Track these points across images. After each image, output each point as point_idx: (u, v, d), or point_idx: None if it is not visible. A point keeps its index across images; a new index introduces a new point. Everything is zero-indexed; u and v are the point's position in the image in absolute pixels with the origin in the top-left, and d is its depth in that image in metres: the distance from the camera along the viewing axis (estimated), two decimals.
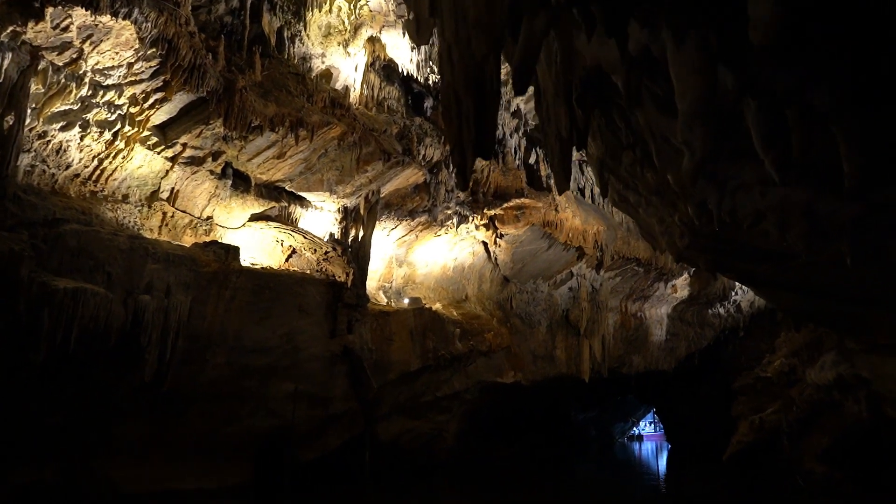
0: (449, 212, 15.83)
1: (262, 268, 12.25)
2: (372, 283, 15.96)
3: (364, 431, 14.41)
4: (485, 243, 17.31)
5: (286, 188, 13.22)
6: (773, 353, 16.48)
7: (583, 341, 19.88)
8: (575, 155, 19.72)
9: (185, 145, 11.07)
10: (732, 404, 18.08)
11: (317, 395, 13.13)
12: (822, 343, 11.77)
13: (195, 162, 11.46)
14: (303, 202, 13.57)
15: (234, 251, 11.45)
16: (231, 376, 11.58)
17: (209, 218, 12.29)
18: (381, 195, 14.25)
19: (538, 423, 23.41)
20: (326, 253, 13.21)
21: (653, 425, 51.80)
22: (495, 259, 17.84)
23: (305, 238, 13.08)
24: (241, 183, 12.37)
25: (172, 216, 11.60)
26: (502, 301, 18.45)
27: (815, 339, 11.99)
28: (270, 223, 12.85)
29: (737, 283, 23.48)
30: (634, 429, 47.05)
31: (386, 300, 15.87)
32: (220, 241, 11.98)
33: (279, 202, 13.07)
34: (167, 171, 11.18)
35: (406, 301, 15.79)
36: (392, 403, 14.72)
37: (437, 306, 16.39)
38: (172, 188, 11.46)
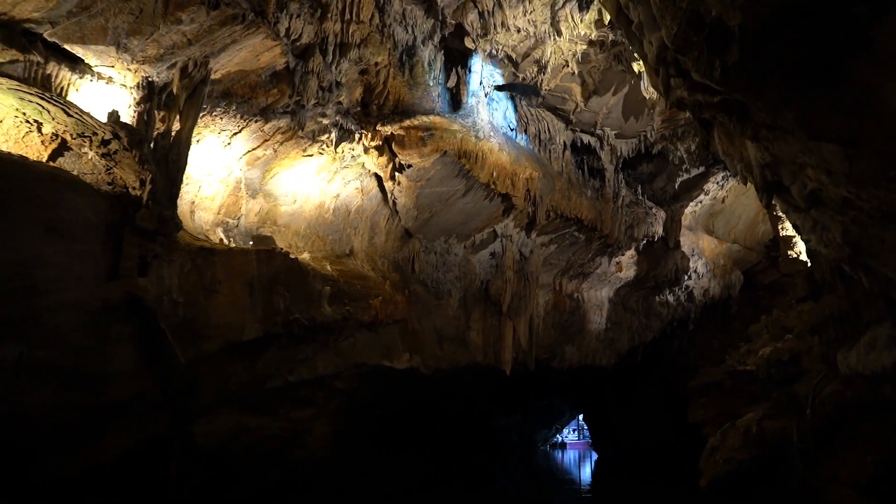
0: (325, 121, 11.05)
1: None
2: (207, 216, 11.05)
3: (169, 430, 9.52)
4: (378, 177, 12.64)
5: (45, 35, 8.19)
6: (752, 342, 12.46)
7: (505, 322, 15.49)
8: (500, 79, 15.27)
9: None
10: (689, 408, 14.14)
11: (76, 369, 8.13)
12: (859, 313, 7.72)
13: None
14: (75, 63, 8.52)
15: None
16: None
17: None
18: (214, 73, 9.36)
19: (450, 425, 18.87)
20: (106, 143, 8.25)
21: (576, 432, 50.47)
22: (393, 202, 13.20)
23: (69, 115, 8.04)
24: None
25: None
26: (401, 261, 13.82)
27: (849, 309, 7.86)
28: (3, 82, 7.77)
29: (690, 265, 19.68)
30: (558, 436, 45.03)
31: (226, 241, 10.99)
32: None
33: (27, 54, 8.01)
34: None
35: (251, 243, 10.95)
36: (218, 389, 9.85)
37: (305, 256, 11.64)
38: None
